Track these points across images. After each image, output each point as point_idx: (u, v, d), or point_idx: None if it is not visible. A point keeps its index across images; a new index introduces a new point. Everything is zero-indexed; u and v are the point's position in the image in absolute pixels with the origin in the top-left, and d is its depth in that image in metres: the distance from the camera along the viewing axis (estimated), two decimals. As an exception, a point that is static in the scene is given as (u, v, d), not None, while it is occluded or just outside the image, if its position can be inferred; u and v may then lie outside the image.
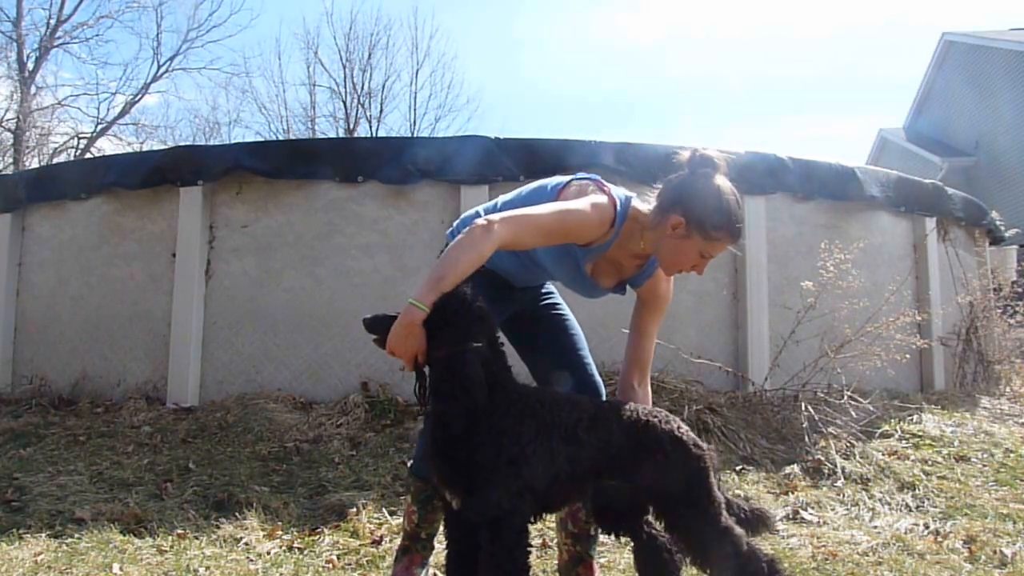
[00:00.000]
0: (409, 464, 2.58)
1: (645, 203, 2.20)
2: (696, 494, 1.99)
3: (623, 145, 5.16)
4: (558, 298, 2.55)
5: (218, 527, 3.16)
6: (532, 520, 1.97)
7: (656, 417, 2.06)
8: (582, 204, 2.09)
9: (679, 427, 2.06)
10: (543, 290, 2.52)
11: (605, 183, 2.21)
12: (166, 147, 11.03)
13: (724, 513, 2.00)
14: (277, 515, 3.32)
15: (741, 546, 1.96)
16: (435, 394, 1.91)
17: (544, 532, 2.99)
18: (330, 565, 2.82)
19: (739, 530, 2.01)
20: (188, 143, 21.12)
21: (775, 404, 4.69)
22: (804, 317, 4.76)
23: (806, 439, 4.18)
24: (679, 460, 2.00)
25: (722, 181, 2.10)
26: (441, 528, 2.26)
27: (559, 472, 1.92)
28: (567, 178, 2.26)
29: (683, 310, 5.10)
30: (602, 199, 2.13)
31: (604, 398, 2.37)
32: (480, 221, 1.96)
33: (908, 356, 5.02)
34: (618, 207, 2.14)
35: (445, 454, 1.93)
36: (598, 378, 2.43)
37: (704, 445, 2.07)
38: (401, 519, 2.74)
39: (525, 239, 2.03)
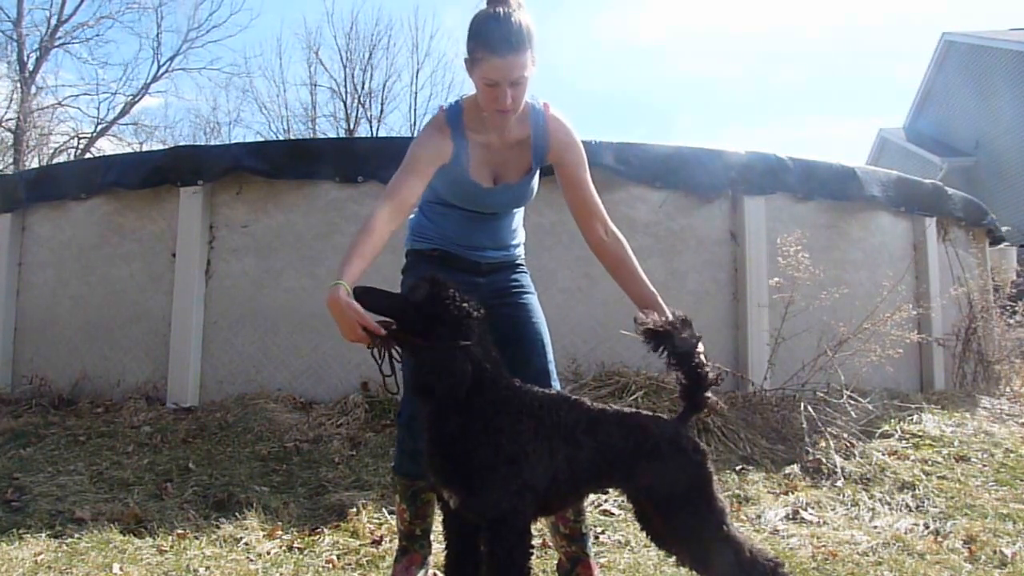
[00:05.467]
0: (392, 464, 2.57)
1: None
2: (695, 499, 1.95)
3: (623, 145, 5.15)
4: (525, 288, 2.50)
5: (218, 527, 3.15)
6: (532, 520, 1.96)
7: (655, 420, 2.04)
8: (420, 131, 2.30)
9: (677, 430, 2.02)
10: (511, 277, 2.48)
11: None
12: (166, 147, 11.03)
13: (727, 519, 1.96)
14: (277, 515, 3.32)
15: (743, 552, 1.92)
16: (414, 385, 1.91)
17: (543, 533, 2.99)
18: (330, 565, 2.82)
19: (741, 536, 1.97)
20: (188, 143, 21.15)
21: (775, 404, 4.69)
22: (787, 314, 4.75)
23: (806, 439, 4.18)
24: (677, 464, 1.97)
25: (492, 5, 2.11)
26: (440, 528, 2.26)
27: (558, 473, 1.91)
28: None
29: (682, 310, 5.09)
30: (433, 115, 2.32)
31: (557, 387, 2.31)
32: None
33: (908, 355, 5.02)
34: (446, 107, 2.29)
35: (442, 453, 1.92)
36: (552, 367, 2.41)
37: (704, 449, 2.03)
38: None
39: (404, 190, 2.18)
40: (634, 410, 2.09)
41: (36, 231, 6.07)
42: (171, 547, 2.95)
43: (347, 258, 2.00)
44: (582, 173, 2.31)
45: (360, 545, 3.00)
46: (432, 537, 2.59)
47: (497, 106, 2.13)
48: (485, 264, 2.42)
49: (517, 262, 2.53)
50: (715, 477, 2.01)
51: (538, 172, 2.39)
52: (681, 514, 1.96)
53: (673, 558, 2.16)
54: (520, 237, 2.54)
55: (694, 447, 2.01)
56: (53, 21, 21.52)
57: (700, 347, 2.06)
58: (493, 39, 2.04)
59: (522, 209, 2.53)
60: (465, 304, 1.92)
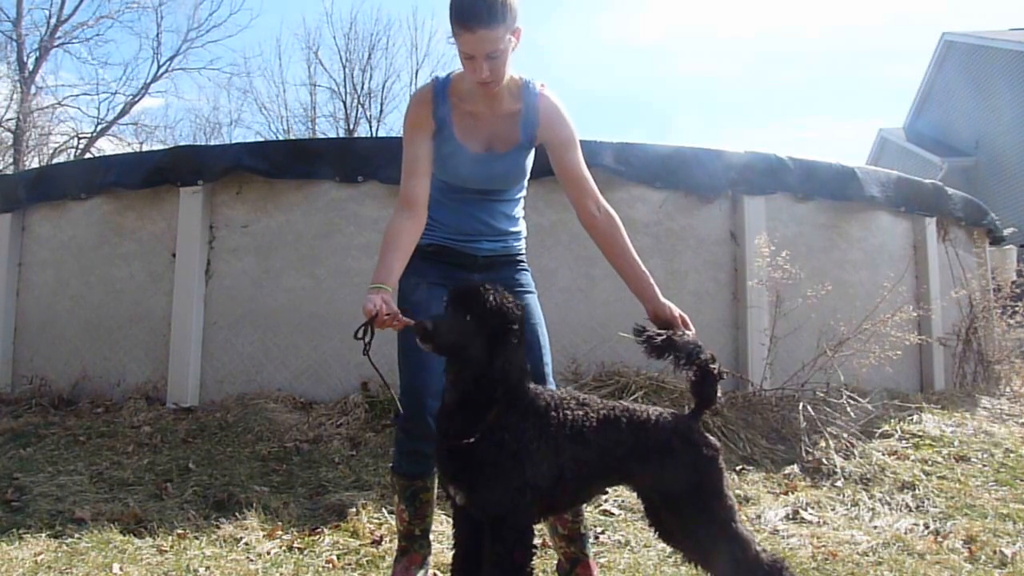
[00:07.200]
0: (391, 465, 2.57)
1: None
2: (706, 495, 1.96)
3: (623, 145, 5.15)
4: (526, 287, 2.48)
5: (218, 527, 3.15)
6: (536, 519, 1.96)
7: (667, 416, 2.03)
8: (407, 108, 2.38)
9: (690, 426, 2.02)
10: (511, 276, 2.46)
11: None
12: (166, 147, 11.03)
13: (735, 516, 1.97)
14: (277, 515, 3.32)
15: (749, 550, 1.93)
16: (452, 383, 1.92)
17: (543, 533, 2.99)
18: (330, 565, 2.82)
19: (748, 534, 1.97)
20: (188, 143, 21.16)
21: (774, 404, 4.69)
22: (787, 314, 4.74)
23: (806, 439, 4.18)
24: (689, 459, 1.97)
25: None
26: (440, 528, 2.26)
27: (564, 471, 1.90)
28: None
29: (682, 310, 5.10)
30: (422, 86, 2.40)
31: (553, 387, 2.30)
32: None
33: (908, 355, 5.02)
34: (438, 77, 2.36)
35: (449, 449, 1.92)
36: (548, 370, 2.40)
37: (717, 445, 2.03)
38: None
39: (412, 179, 2.27)
40: (645, 406, 2.07)
41: (36, 231, 6.07)
42: (171, 547, 2.94)
43: (379, 262, 2.17)
44: (572, 150, 2.33)
45: (360, 545, 3.00)
46: (432, 537, 2.58)
47: (476, 78, 2.17)
48: (482, 257, 2.40)
49: (518, 257, 2.49)
50: (726, 474, 2.01)
51: (532, 151, 2.39)
52: (691, 509, 1.96)
53: (673, 558, 2.16)
54: (519, 228, 2.50)
55: (706, 443, 2.01)
56: (52, 21, 21.60)
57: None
58: (466, 14, 2.07)
59: (521, 200, 2.50)
60: (502, 302, 1.91)
